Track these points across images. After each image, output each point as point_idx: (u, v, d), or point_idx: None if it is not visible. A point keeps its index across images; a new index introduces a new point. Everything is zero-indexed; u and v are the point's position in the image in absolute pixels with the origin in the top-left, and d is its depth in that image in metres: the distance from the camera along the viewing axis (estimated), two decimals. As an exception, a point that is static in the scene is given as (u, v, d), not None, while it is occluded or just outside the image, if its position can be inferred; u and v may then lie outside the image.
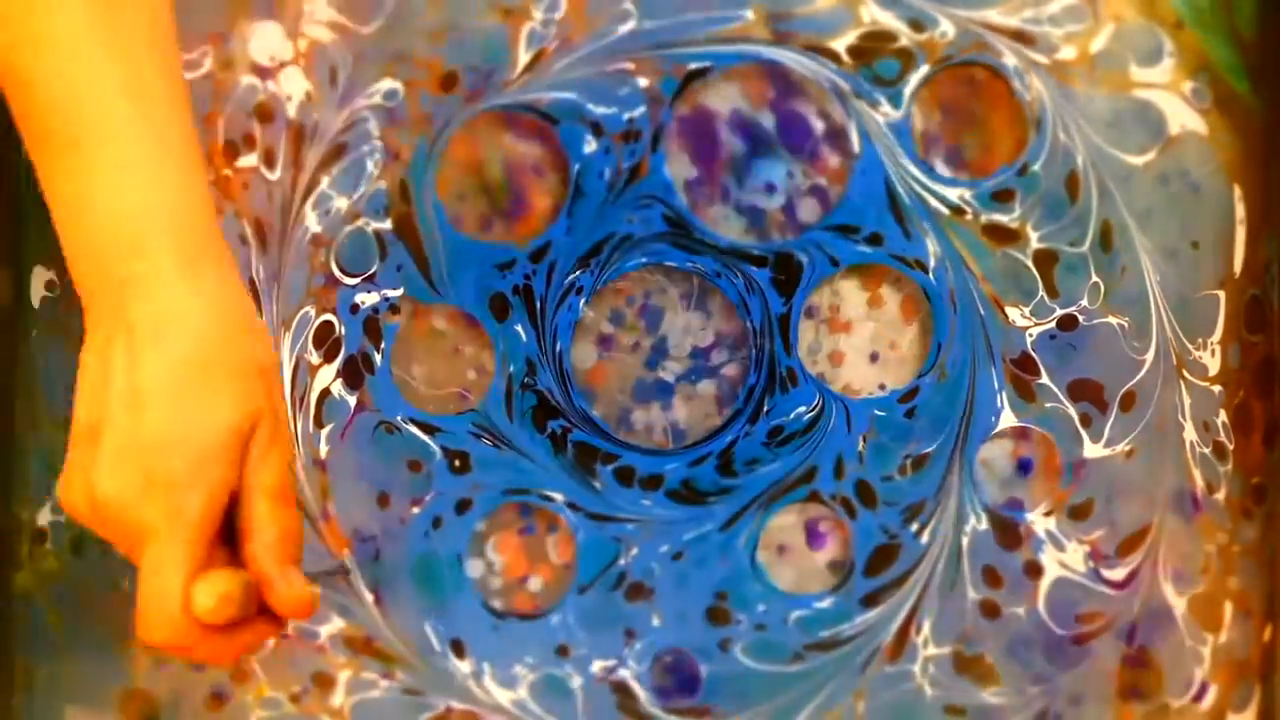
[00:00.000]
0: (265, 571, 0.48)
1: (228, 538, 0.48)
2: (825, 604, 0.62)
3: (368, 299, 0.62)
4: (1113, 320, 0.61)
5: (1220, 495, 0.62)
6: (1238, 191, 0.61)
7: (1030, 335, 0.62)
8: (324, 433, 0.62)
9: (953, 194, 0.61)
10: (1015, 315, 0.61)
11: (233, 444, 0.47)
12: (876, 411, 0.62)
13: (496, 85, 0.60)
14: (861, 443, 0.61)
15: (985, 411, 0.62)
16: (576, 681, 0.62)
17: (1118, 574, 0.62)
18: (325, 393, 0.62)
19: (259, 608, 0.48)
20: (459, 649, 0.62)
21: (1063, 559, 0.62)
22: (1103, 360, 0.62)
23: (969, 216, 0.61)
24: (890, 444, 0.62)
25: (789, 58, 0.61)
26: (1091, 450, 0.62)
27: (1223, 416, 0.62)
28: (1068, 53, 0.61)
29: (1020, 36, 0.60)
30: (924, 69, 0.61)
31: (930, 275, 0.61)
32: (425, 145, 0.61)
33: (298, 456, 0.62)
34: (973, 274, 0.61)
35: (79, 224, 0.48)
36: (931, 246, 0.61)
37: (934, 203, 0.61)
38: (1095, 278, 0.61)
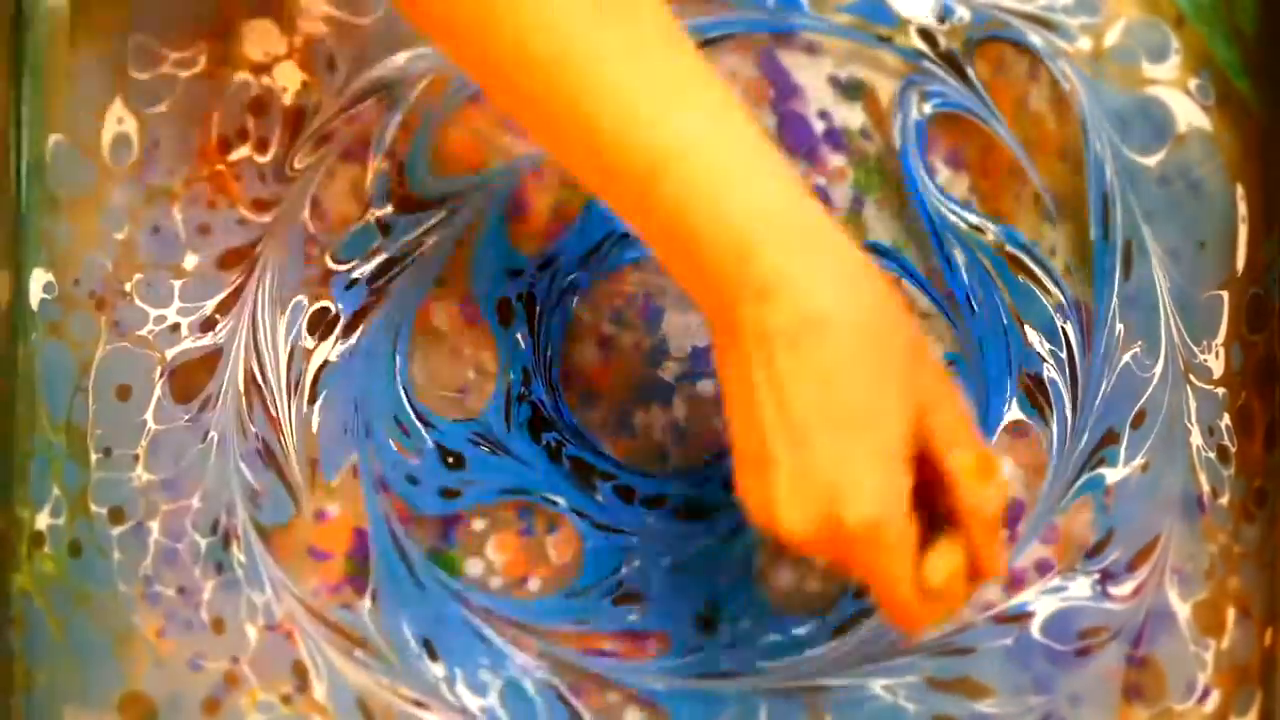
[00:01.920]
0: (981, 547, 0.47)
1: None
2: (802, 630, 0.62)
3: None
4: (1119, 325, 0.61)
5: (1224, 499, 0.62)
6: (1240, 190, 0.61)
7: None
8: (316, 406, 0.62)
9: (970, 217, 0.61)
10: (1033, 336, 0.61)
11: (908, 449, 0.45)
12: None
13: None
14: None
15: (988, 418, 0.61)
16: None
17: (1125, 589, 0.62)
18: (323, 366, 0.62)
19: None
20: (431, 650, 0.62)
21: (1068, 592, 0.62)
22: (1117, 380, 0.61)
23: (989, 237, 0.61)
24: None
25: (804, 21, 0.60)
26: (1113, 475, 0.61)
27: (1226, 419, 0.62)
28: (1084, 44, 0.60)
29: (1040, 22, 0.60)
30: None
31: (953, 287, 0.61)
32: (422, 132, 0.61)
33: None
34: (997, 288, 0.61)
35: (682, 243, 0.45)
36: (960, 257, 0.60)
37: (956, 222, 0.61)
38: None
